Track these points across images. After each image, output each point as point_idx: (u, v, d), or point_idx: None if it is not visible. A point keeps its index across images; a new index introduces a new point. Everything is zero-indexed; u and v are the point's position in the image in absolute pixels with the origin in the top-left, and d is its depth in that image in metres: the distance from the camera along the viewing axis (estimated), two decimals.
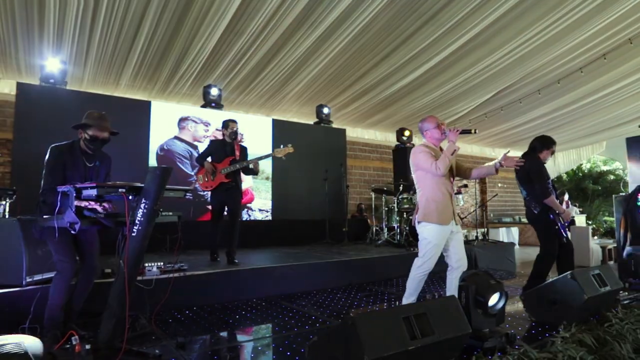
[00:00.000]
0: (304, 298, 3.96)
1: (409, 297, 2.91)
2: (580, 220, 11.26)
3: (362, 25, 5.91)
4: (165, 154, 6.22)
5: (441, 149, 3.02)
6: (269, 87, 7.54)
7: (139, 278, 3.27)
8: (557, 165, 14.66)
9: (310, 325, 3.09)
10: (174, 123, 6.40)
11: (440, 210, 2.82)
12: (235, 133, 4.51)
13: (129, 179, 2.52)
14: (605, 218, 13.32)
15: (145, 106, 6.25)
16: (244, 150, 4.61)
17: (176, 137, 6.36)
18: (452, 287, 2.85)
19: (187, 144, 6.42)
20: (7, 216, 3.77)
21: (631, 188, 4.33)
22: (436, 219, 2.81)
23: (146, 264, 3.64)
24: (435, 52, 6.88)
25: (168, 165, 5.86)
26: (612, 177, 14.30)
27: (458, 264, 2.86)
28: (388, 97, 8.58)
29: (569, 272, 2.78)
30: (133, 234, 2.45)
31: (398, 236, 6.15)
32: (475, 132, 2.89)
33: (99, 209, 2.59)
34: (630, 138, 4.38)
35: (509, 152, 2.93)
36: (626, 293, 3.42)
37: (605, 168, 14.93)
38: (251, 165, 4.46)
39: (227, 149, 4.49)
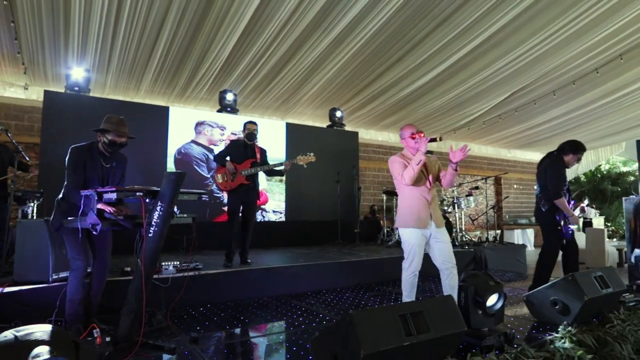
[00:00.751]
0: (313, 297, 4.09)
1: (406, 298, 3.02)
2: (599, 222, 11.09)
3: (375, 28, 5.98)
4: (182, 157, 6.43)
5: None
6: (284, 91, 7.65)
7: (156, 276, 3.46)
8: (574, 165, 14.39)
9: (317, 322, 3.22)
10: (191, 127, 6.61)
11: (415, 215, 2.95)
12: (252, 135, 4.54)
13: (148, 181, 2.69)
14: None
15: (164, 111, 6.48)
16: (264, 152, 4.68)
17: (193, 141, 6.57)
18: (446, 287, 2.96)
19: (204, 147, 6.63)
20: (34, 217, 4.00)
21: None
22: (412, 224, 2.95)
23: (163, 263, 3.82)
24: (449, 54, 6.87)
25: (185, 168, 6.18)
26: (632, 178, 14.01)
27: (445, 265, 2.96)
28: (402, 99, 8.59)
29: (570, 273, 2.83)
30: (150, 235, 2.62)
31: None
32: (440, 140, 3.00)
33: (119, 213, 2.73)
34: None
35: (467, 146, 2.98)
36: (632, 295, 3.44)
37: (624, 169, 14.64)
38: (282, 167, 4.52)
39: (247, 151, 4.53)
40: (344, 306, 3.75)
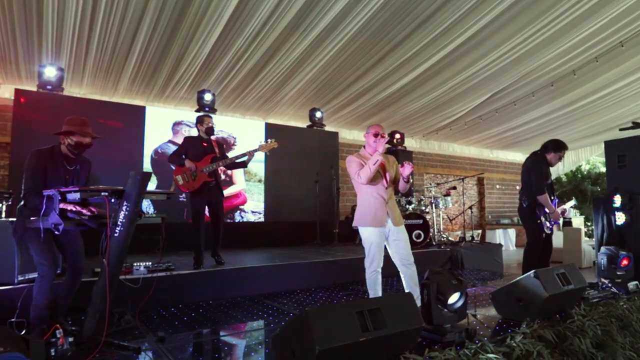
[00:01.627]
0: (287, 297, 4.10)
1: (373, 297, 3.05)
2: (579, 221, 11.30)
3: (356, 29, 5.99)
4: (159, 157, 6.39)
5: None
6: (265, 91, 7.62)
7: (127, 277, 3.43)
8: (557, 166, 14.64)
9: (286, 322, 3.22)
10: (168, 127, 6.58)
11: (372, 213, 2.99)
12: (212, 129, 4.34)
13: (123, 181, 2.67)
14: None
15: (141, 111, 6.43)
16: (222, 145, 4.49)
17: (170, 141, 6.54)
18: (406, 285, 3.02)
19: None
20: (3, 217, 3.94)
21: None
22: (369, 222, 2.99)
23: (134, 264, 3.80)
24: (429, 55, 6.92)
25: (162, 168, 6.13)
26: None
27: (402, 262, 3.01)
28: (383, 99, 8.61)
29: (533, 270, 2.89)
30: (115, 235, 2.61)
31: None
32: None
33: (85, 211, 2.72)
34: (609, 142, 4.48)
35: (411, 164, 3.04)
36: (596, 292, 3.52)
37: (604, 169, 14.91)
38: (245, 158, 4.29)
39: (206, 147, 4.27)
40: (316, 305, 3.77)
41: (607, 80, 8.32)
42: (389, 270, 3.20)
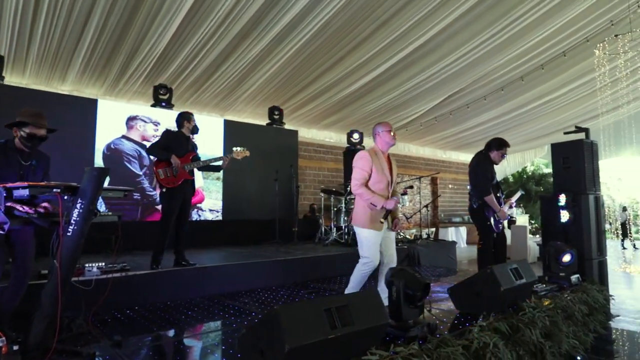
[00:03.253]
0: (248, 296, 4.04)
1: (351, 290, 3.06)
2: (524, 219, 11.95)
3: (316, 28, 6.01)
4: (112, 153, 6.09)
5: (389, 158, 3.18)
6: (223, 88, 7.51)
7: (78, 278, 3.24)
8: (504, 167, 15.48)
9: (249, 321, 3.18)
10: (122, 122, 6.28)
11: (374, 217, 3.01)
12: (197, 128, 4.32)
13: (72, 178, 2.51)
14: None
15: (92, 104, 6.10)
16: (195, 146, 4.44)
17: (124, 137, 6.25)
18: (382, 283, 3.06)
19: (136, 143, 6.32)
20: None
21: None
22: (369, 226, 3.01)
23: (87, 265, 3.60)
24: (389, 56, 7.08)
25: (115, 164, 5.85)
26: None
27: (388, 259, 3.07)
28: (342, 99, 8.70)
29: (488, 266, 3.03)
30: (68, 234, 2.45)
31: (346, 235, 6.34)
32: (405, 194, 3.18)
33: (31, 211, 2.54)
34: (555, 144, 4.76)
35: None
36: (544, 285, 3.74)
37: (547, 171, 15.90)
38: (220, 162, 4.28)
39: (188, 144, 4.24)
40: (278, 304, 3.75)
41: (551, 86, 8.88)
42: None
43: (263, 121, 8.41)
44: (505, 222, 16.33)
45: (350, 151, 8.90)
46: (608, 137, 9.68)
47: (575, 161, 4.51)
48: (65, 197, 2.47)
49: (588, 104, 9.66)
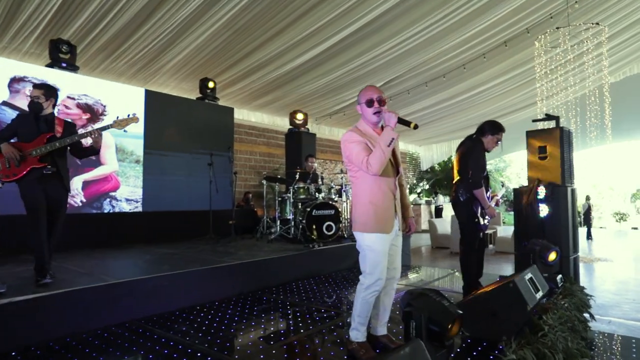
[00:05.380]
0: (184, 319, 3.02)
1: (360, 326, 2.25)
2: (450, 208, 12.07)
3: None
4: None
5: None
6: (142, 55, 6.48)
7: None
8: (431, 155, 15.73)
9: None
10: (3, 84, 4.77)
11: (380, 215, 2.22)
12: (37, 105, 3.14)
13: None
14: None
15: None
16: (69, 126, 3.32)
17: (5, 103, 4.75)
18: (386, 299, 2.32)
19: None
20: None
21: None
22: (377, 228, 2.21)
23: None
24: (330, 33, 6.63)
25: None
26: None
27: (392, 273, 2.30)
28: (278, 77, 8.11)
29: (510, 280, 2.39)
30: None
31: (293, 229, 5.50)
32: (415, 128, 2.31)
33: None
34: (530, 132, 4.37)
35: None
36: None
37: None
38: (89, 140, 3.21)
39: (40, 124, 3.16)
40: (229, 332, 2.77)
41: (491, 75, 8.96)
42: None
43: (193, 95, 7.24)
44: (433, 207, 16.55)
45: (294, 133, 8.03)
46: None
47: (553, 151, 4.14)
48: None
49: (527, 91, 9.84)
